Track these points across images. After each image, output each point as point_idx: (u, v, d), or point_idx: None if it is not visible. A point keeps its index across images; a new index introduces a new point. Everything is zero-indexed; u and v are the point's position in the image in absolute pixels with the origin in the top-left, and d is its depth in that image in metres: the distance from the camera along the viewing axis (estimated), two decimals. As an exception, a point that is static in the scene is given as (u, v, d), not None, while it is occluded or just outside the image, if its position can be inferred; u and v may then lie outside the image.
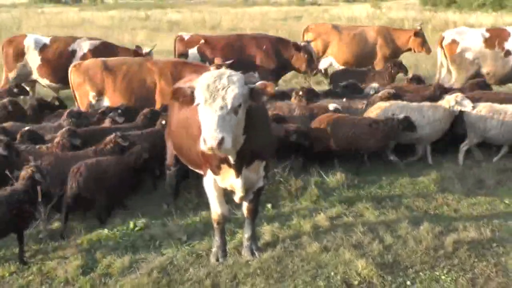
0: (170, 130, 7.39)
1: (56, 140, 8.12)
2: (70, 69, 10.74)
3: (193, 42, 13.47)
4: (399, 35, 15.62)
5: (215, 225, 6.43)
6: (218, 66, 9.54)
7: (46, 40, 12.80)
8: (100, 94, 10.43)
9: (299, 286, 5.96)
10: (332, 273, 6.18)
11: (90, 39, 13.23)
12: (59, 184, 7.27)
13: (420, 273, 6.27)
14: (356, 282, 6.06)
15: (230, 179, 5.97)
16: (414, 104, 9.68)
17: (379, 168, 9.43)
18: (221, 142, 4.94)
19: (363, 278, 6.12)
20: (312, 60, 13.39)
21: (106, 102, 10.41)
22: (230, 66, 9.67)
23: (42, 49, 12.55)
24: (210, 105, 5.05)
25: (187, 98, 5.34)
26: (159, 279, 6.07)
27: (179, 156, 7.26)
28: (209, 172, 6.08)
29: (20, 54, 12.61)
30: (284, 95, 10.78)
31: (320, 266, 6.32)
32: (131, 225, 7.29)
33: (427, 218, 7.48)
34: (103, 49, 12.68)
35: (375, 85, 11.85)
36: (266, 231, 7.09)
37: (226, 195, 6.43)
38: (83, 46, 12.68)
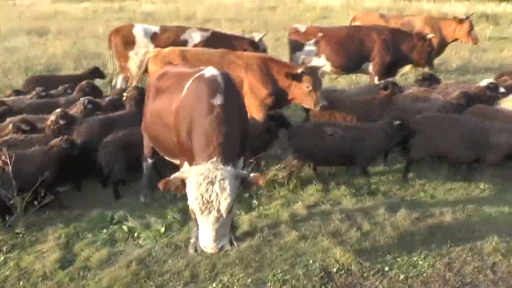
0: (146, 121, 7.34)
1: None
2: (147, 57, 10.39)
3: (309, 34, 12.80)
4: (446, 24, 15.25)
5: (193, 216, 6.40)
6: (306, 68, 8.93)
7: (156, 28, 12.52)
8: None
9: (277, 275, 5.99)
10: (311, 261, 6.23)
11: (200, 29, 12.76)
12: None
13: (398, 259, 6.36)
14: (334, 270, 6.11)
15: None
16: None
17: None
18: (220, 249, 5.19)
19: (342, 265, 6.18)
20: (432, 55, 12.82)
21: None
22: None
23: (153, 37, 12.33)
24: (206, 217, 5.07)
25: (179, 187, 5.32)
26: (138, 271, 6.07)
27: (155, 147, 7.23)
28: (186, 164, 6.06)
29: (130, 43, 12.25)
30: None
31: (299, 255, 6.37)
32: (109, 217, 7.25)
33: (404, 204, 7.55)
34: (214, 39, 12.22)
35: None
36: (245, 221, 7.11)
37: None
38: (194, 36, 12.36)
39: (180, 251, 6.50)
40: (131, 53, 12.17)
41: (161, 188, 5.29)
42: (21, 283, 6.00)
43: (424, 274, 6.13)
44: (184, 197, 6.17)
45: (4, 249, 6.64)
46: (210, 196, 5.01)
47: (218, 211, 5.02)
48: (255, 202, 7.70)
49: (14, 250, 6.64)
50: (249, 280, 5.94)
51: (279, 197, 7.83)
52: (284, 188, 8.08)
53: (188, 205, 6.11)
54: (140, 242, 6.75)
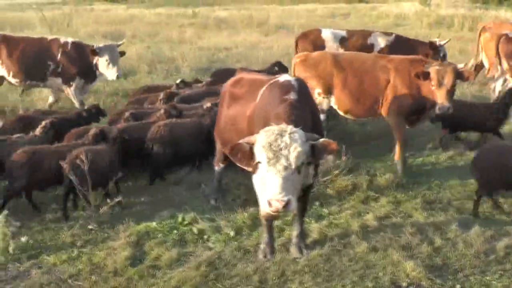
0: (219, 127, 7.48)
1: None
2: (294, 60, 10.04)
3: None
4: None
5: (263, 221, 6.43)
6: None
7: (343, 33, 12.74)
8: (327, 91, 9.35)
9: (347, 286, 5.91)
10: (381, 274, 6.12)
11: (384, 33, 12.85)
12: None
13: (470, 278, 6.15)
14: (404, 284, 5.98)
15: None
16: None
17: (428, 169, 9.34)
18: (287, 205, 5.02)
19: (412, 280, 6.03)
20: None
21: (333, 100, 9.39)
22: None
23: (342, 41, 12.51)
24: (274, 166, 5.04)
25: (245, 154, 5.32)
26: (207, 273, 6.10)
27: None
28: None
29: (319, 47, 12.17)
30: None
31: (368, 266, 6.27)
32: (180, 219, 7.33)
33: (478, 221, 7.33)
34: (398, 44, 12.31)
35: None
36: (314, 229, 7.05)
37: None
38: (380, 41, 12.44)
39: (249, 255, 6.50)
40: None
41: (228, 152, 5.34)
42: (92, 277, 6.13)
43: (498, 295, 5.95)
44: (255, 202, 6.22)
45: (78, 244, 6.82)
46: (279, 145, 5.03)
47: (287, 159, 5.00)
48: (325, 210, 7.65)
49: (87, 246, 6.80)
50: (318, 288, 5.90)
51: (350, 207, 7.73)
52: (354, 198, 7.99)
53: (258, 210, 6.18)
54: (210, 244, 6.78)
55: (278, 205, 5.00)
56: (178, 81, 12.22)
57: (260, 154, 5.13)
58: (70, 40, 11.75)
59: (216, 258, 6.41)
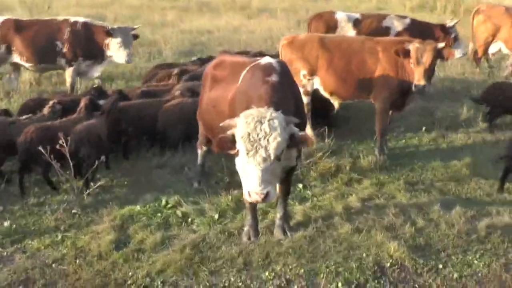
0: (201, 109, 7.44)
1: None
2: (281, 42, 9.89)
3: None
4: None
5: (247, 204, 6.45)
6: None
7: (356, 15, 12.64)
8: (313, 73, 9.23)
9: (331, 267, 5.97)
10: (364, 255, 6.19)
11: (400, 16, 12.66)
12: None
13: (452, 257, 6.27)
14: (388, 264, 6.07)
15: None
16: None
17: (410, 151, 9.40)
18: (265, 197, 5.08)
19: (395, 260, 6.12)
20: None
21: (318, 82, 9.24)
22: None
23: (355, 24, 12.31)
24: (253, 157, 5.03)
25: (230, 143, 5.30)
26: (192, 256, 6.12)
27: (208, 135, 7.29)
28: None
29: (332, 28, 12.30)
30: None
31: (352, 247, 6.33)
32: (163, 202, 7.31)
33: (460, 202, 7.42)
34: (413, 27, 12.12)
35: None
36: (298, 211, 7.08)
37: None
38: (396, 24, 12.23)
39: (233, 238, 6.52)
40: None
41: (216, 149, 5.38)
42: (77, 261, 6.13)
43: (479, 274, 6.04)
44: (238, 184, 6.22)
45: (62, 228, 6.79)
46: (258, 135, 5.01)
47: (266, 150, 5.00)
48: (308, 192, 7.69)
49: (71, 230, 6.77)
50: (302, 270, 5.93)
51: (333, 189, 7.77)
52: (338, 180, 8.03)
53: (242, 193, 6.19)
54: (194, 227, 6.80)
55: (257, 197, 5.07)
56: (194, 59, 12.17)
57: (240, 144, 5.14)
58: (81, 20, 11.61)
59: (200, 241, 6.42)
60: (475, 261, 6.21)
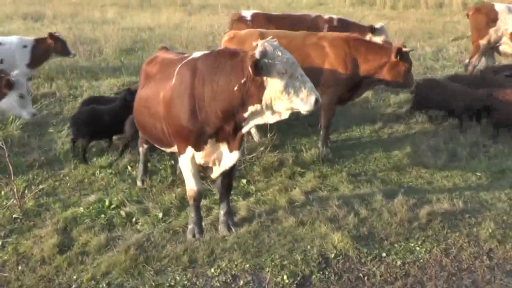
0: (135, 108, 7.22)
1: None
2: (223, 38, 9.86)
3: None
4: None
5: (191, 201, 6.44)
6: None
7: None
8: None
9: (276, 260, 5.99)
10: (309, 247, 6.23)
11: None
12: None
13: (395, 245, 6.38)
14: (332, 255, 6.12)
15: (217, 155, 6.15)
16: None
17: (353, 142, 9.53)
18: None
19: (339, 251, 6.19)
20: None
21: None
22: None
23: None
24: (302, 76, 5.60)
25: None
26: (136, 256, 6.05)
27: (143, 135, 7.29)
28: (188, 149, 6.08)
29: (492, 20, 12.40)
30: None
31: (297, 240, 6.38)
32: (107, 202, 7.22)
33: (401, 191, 7.52)
34: None
35: None
36: (242, 206, 7.10)
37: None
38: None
39: (178, 236, 6.49)
40: (491, 30, 12.42)
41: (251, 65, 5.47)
42: (19, 267, 5.98)
43: (421, 260, 6.15)
44: (182, 183, 6.21)
45: (2, 234, 6.63)
46: (288, 58, 5.60)
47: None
48: (252, 187, 7.72)
49: (12, 235, 6.62)
50: (247, 265, 5.94)
51: (276, 183, 7.81)
52: (281, 174, 8.07)
53: (186, 191, 6.18)
54: (138, 227, 6.74)
55: (319, 99, 5.68)
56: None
57: (281, 68, 5.53)
58: None
59: (145, 241, 6.37)
60: (417, 248, 6.34)
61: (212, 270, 5.87)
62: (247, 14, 11.75)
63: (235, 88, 5.62)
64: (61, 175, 8.11)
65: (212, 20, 19.69)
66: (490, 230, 6.65)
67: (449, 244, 6.42)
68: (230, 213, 6.66)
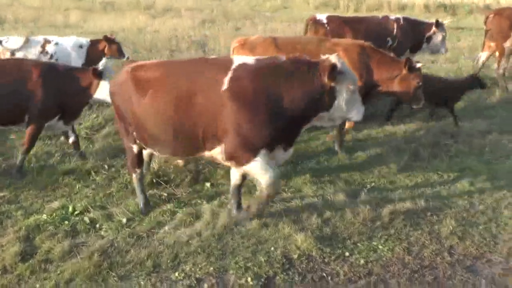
0: (133, 122, 6.76)
1: None
2: (233, 45, 9.75)
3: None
4: None
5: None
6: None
7: None
8: None
9: (240, 262, 6.04)
10: (272, 248, 6.30)
11: None
12: None
13: (358, 244, 6.48)
14: (296, 256, 6.20)
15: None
16: None
17: (317, 144, 9.58)
18: None
19: (303, 252, 6.26)
20: None
21: None
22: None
23: None
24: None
25: None
26: (100, 262, 6.04)
27: (152, 147, 6.93)
28: (261, 151, 6.29)
29: None
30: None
31: (260, 242, 6.43)
32: (70, 209, 7.16)
33: (364, 191, 7.67)
34: None
35: None
36: (206, 209, 7.10)
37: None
38: None
39: (142, 241, 6.49)
40: None
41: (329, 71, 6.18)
42: (-20, 277, 5.91)
43: (384, 258, 6.27)
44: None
45: (-37, 243, 6.54)
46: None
47: None
48: (216, 191, 7.74)
49: (-27, 244, 6.53)
50: (211, 268, 5.98)
51: (240, 186, 7.82)
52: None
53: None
54: (102, 233, 6.71)
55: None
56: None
57: (349, 79, 6.31)
58: None
59: (108, 246, 6.36)
60: (380, 246, 6.45)
61: (176, 274, 5.89)
62: (322, 17, 11.72)
63: (312, 96, 6.19)
64: (24, 182, 8.01)
65: (175, 24, 19.62)
66: (451, 228, 6.81)
67: (411, 242, 6.55)
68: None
